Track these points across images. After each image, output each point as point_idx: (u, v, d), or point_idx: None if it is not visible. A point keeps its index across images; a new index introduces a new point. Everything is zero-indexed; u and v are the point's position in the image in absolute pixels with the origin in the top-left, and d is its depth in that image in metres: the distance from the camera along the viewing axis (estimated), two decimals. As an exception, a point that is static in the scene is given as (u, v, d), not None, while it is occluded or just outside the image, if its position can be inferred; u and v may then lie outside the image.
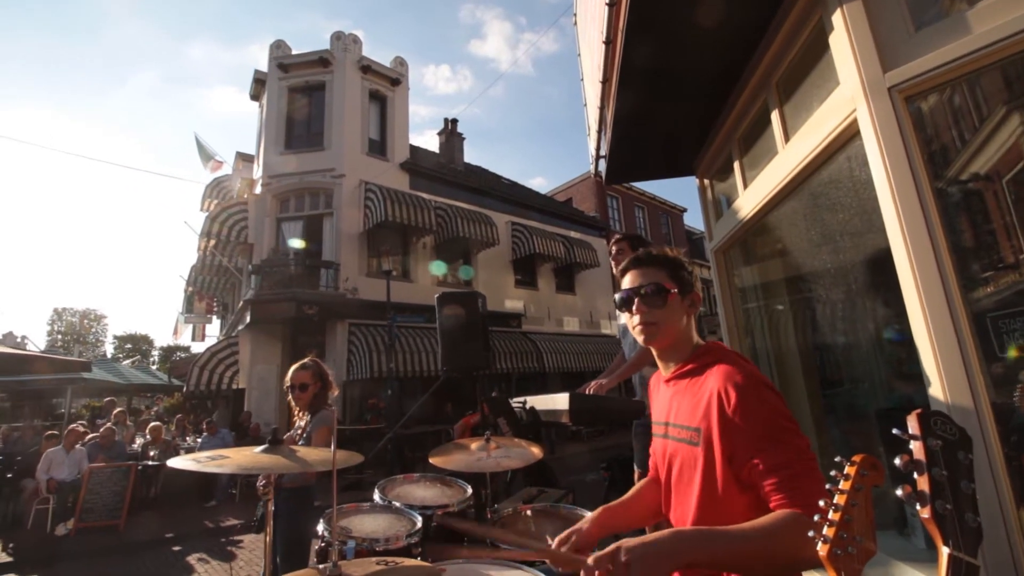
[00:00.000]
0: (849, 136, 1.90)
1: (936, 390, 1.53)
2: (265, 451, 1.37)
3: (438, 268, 14.02)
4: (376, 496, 1.76)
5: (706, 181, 3.62)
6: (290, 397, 2.71)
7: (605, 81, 3.01)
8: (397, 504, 1.70)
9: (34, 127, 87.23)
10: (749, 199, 2.80)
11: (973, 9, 1.54)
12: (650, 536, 0.92)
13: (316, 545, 1.29)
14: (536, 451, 2.01)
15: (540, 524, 1.85)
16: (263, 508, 2.52)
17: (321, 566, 0.96)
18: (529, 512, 1.93)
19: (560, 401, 2.23)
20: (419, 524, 1.54)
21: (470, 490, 1.85)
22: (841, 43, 1.85)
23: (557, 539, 1.19)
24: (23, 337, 18.85)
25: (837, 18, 1.85)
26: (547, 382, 14.66)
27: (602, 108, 3.36)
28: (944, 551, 0.64)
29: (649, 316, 1.20)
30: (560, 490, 2.84)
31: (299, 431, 2.66)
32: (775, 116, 2.45)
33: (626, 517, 1.33)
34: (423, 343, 11.74)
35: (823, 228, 2.60)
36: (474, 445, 2.04)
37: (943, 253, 1.55)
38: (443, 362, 4.02)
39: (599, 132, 3.74)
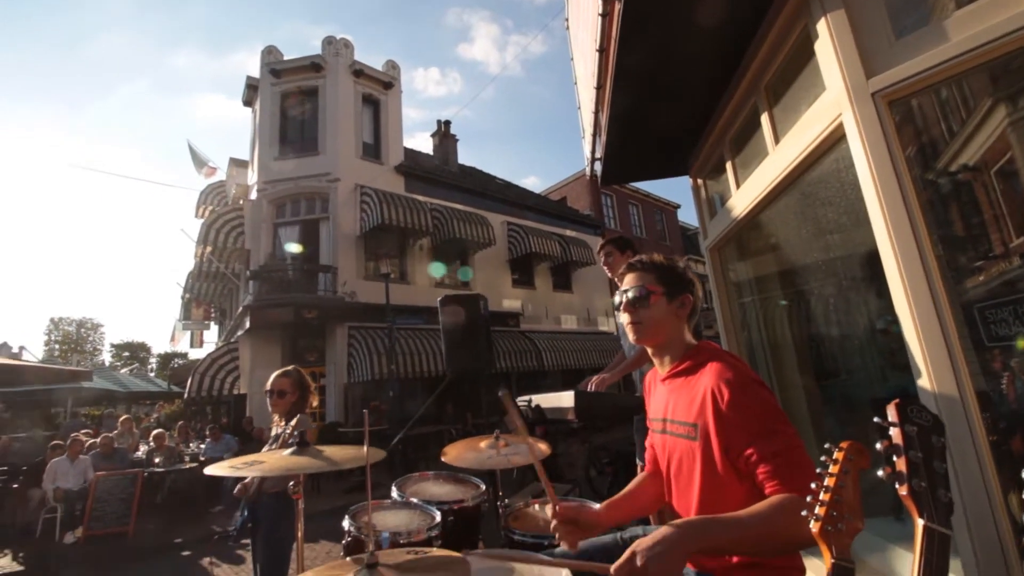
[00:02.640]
0: (836, 139, 1.98)
1: (923, 380, 1.60)
2: (295, 453, 1.45)
3: (437, 270, 14.07)
4: (394, 493, 1.84)
5: (700, 181, 3.71)
6: (269, 402, 2.72)
7: (599, 87, 3.09)
8: (415, 500, 1.79)
9: (24, 136, 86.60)
10: (742, 198, 2.88)
11: (951, 17, 1.61)
12: (658, 534, 0.98)
13: (344, 539, 1.37)
14: (544, 447, 2.09)
15: (548, 516, 1.93)
16: (243, 514, 2.58)
17: (357, 556, 1.04)
18: (537, 506, 2.01)
19: (566, 399, 2.32)
20: (438, 518, 1.62)
21: (483, 486, 1.93)
22: (826, 50, 1.92)
23: (559, 509, 1.31)
24: (21, 347, 18.77)
25: (822, 26, 1.93)
26: (547, 380, 14.75)
27: (596, 112, 3.43)
28: (920, 523, 0.72)
29: (635, 316, 1.31)
30: (566, 484, 2.91)
31: (284, 436, 2.59)
32: (765, 119, 2.53)
33: (629, 509, 1.44)
34: (423, 344, 11.80)
35: (815, 225, 2.69)
36: (484, 443, 2.12)
37: (927, 248, 1.62)
38: (447, 363, 4.10)
39: (594, 135, 3.81)
